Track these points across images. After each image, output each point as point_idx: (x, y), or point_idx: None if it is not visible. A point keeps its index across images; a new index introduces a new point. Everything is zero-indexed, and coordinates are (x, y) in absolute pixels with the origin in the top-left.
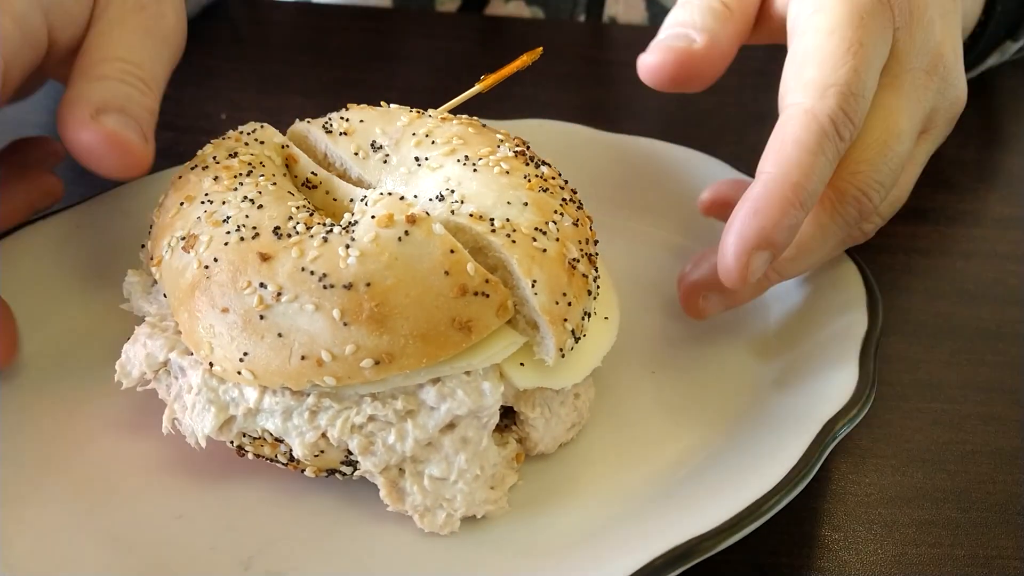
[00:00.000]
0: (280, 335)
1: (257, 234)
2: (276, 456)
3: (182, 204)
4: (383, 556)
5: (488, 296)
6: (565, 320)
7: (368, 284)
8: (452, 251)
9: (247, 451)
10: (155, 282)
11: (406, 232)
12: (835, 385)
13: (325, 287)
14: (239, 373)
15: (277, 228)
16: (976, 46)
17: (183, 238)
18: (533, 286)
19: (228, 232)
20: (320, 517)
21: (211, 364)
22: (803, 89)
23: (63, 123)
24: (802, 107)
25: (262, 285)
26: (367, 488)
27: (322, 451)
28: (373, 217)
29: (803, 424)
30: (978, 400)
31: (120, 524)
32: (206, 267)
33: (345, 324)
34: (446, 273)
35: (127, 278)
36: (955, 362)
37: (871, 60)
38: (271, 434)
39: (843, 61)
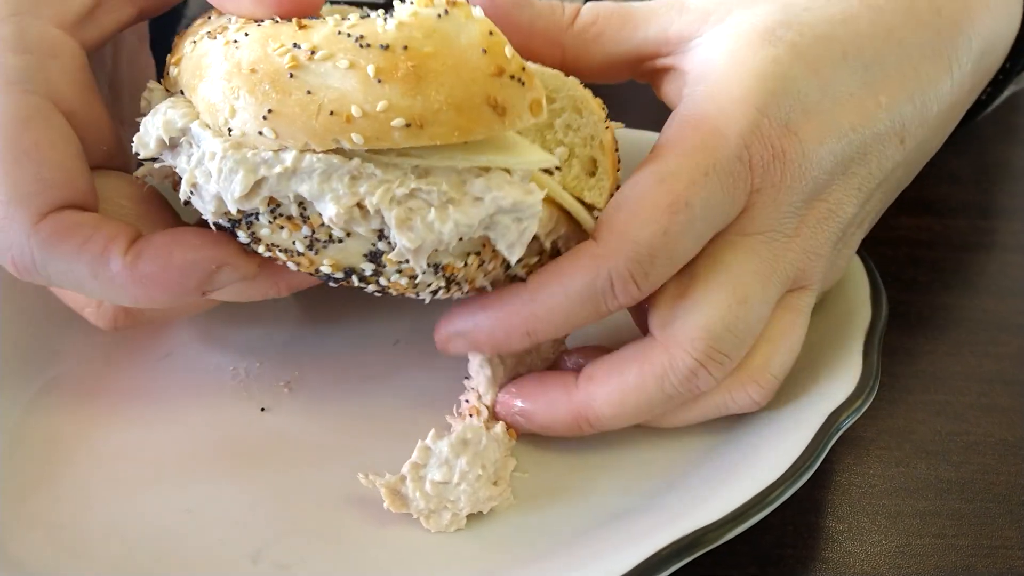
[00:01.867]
0: (309, 92)
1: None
2: (294, 244)
3: (209, 17)
4: (391, 550)
5: (524, 84)
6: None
7: (405, 48)
8: (491, 33)
9: (260, 239)
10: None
11: (446, 11)
12: (839, 377)
13: (361, 46)
14: (260, 133)
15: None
16: (1000, 89)
17: (209, 32)
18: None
19: (261, 24)
20: (328, 511)
21: (229, 130)
22: (606, 227)
23: None
24: (591, 249)
25: (295, 45)
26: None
27: (352, 232)
28: (412, 2)
29: (806, 416)
30: (981, 391)
31: (128, 517)
32: (235, 41)
33: (379, 81)
34: (484, 51)
35: (147, 88)
36: (958, 353)
37: (694, 223)
38: (301, 204)
39: (656, 219)
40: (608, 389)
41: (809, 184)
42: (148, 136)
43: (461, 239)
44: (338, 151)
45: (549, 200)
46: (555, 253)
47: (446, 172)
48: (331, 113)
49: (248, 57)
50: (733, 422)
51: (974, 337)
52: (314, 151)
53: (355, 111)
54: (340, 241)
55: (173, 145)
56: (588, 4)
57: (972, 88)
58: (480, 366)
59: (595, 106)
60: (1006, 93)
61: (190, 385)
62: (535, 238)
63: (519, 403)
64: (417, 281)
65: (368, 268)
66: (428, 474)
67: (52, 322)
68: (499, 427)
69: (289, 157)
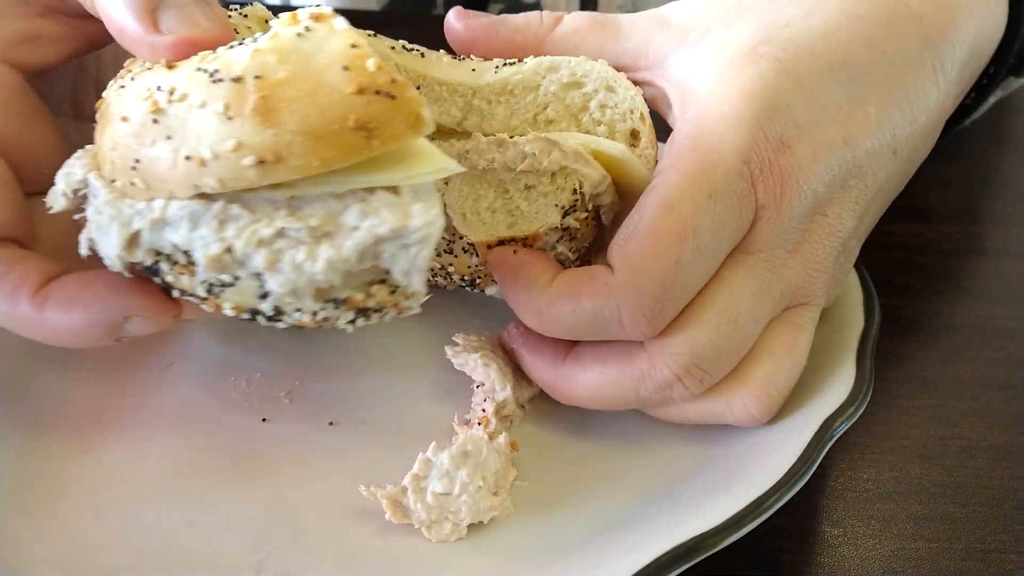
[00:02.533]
0: (169, 137)
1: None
2: (195, 289)
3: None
4: (393, 560)
5: (394, 98)
6: None
7: (257, 77)
8: (354, 45)
9: (169, 282)
10: None
11: (307, 28)
12: (833, 383)
13: (214, 81)
14: (132, 184)
15: None
16: (984, 95)
17: (121, 74)
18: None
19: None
20: (331, 521)
21: (113, 180)
22: (621, 257)
23: None
24: (604, 279)
25: (158, 88)
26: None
27: (236, 278)
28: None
29: (801, 423)
30: (973, 396)
31: (131, 529)
32: (122, 87)
33: (229, 118)
34: (344, 68)
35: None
36: (951, 359)
37: (703, 249)
38: (185, 252)
39: (667, 251)
40: (588, 375)
41: (809, 199)
42: (56, 189)
43: (348, 272)
44: (203, 196)
45: (603, 165)
46: (596, 217)
47: (324, 200)
48: (187, 158)
49: (121, 105)
50: (729, 429)
51: (966, 342)
52: (179, 199)
53: (206, 153)
54: (232, 284)
55: (81, 197)
56: (573, 12)
57: (958, 95)
58: (483, 365)
59: (627, 82)
60: (992, 99)
61: (192, 396)
62: (580, 195)
63: (518, 345)
64: (321, 318)
65: (268, 308)
66: (429, 485)
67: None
68: (502, 438)
69: (158, 207)
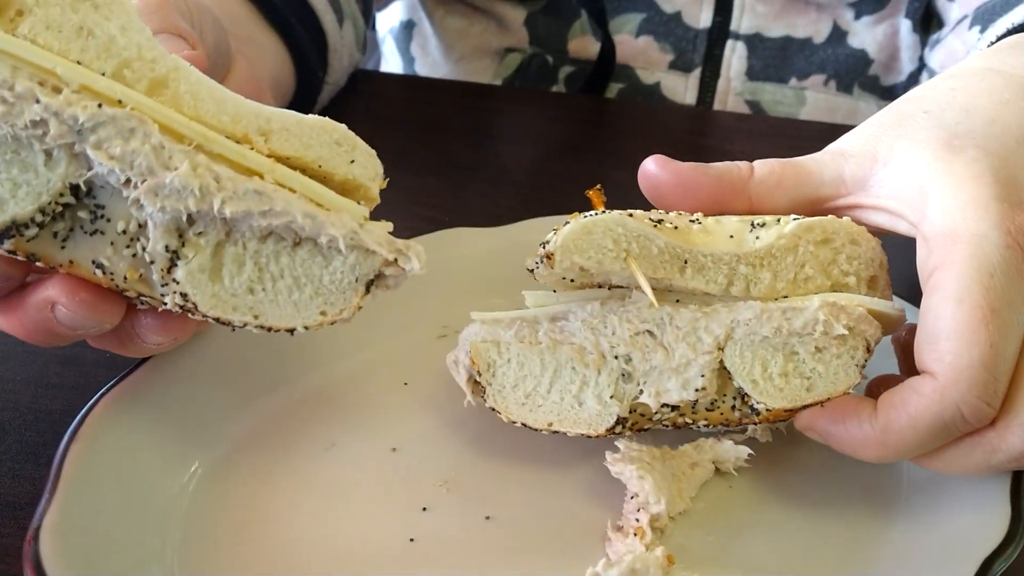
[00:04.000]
0: None
1: None
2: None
3: None
4: None
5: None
6: None
7: None
8: None
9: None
10: None
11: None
12: (987, 519)
13: None
14: None
15: None
16: None
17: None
18: None
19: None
20: None
21: None
22: (936, 362)
23: None
24: (930, 386)
25: None
26: None
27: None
28: None
29: (958, 563)
30: None
31: None
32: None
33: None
34: None
35: None
36: None
37: (1009, 324)
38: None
39: (977, 337)
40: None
41: None
42: None
43: None
44: None
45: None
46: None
47: None
48: None
49: None
50: (887, 563)
51: None
52: None
53: None
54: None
55: None
56: (759, 161)
57: None
58: (639, 477)
59: (868, 234)
60: None
61: (354, 480)
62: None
63: (821, 424)
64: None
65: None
66: None
67: (217, 406)
68: (659, 551)
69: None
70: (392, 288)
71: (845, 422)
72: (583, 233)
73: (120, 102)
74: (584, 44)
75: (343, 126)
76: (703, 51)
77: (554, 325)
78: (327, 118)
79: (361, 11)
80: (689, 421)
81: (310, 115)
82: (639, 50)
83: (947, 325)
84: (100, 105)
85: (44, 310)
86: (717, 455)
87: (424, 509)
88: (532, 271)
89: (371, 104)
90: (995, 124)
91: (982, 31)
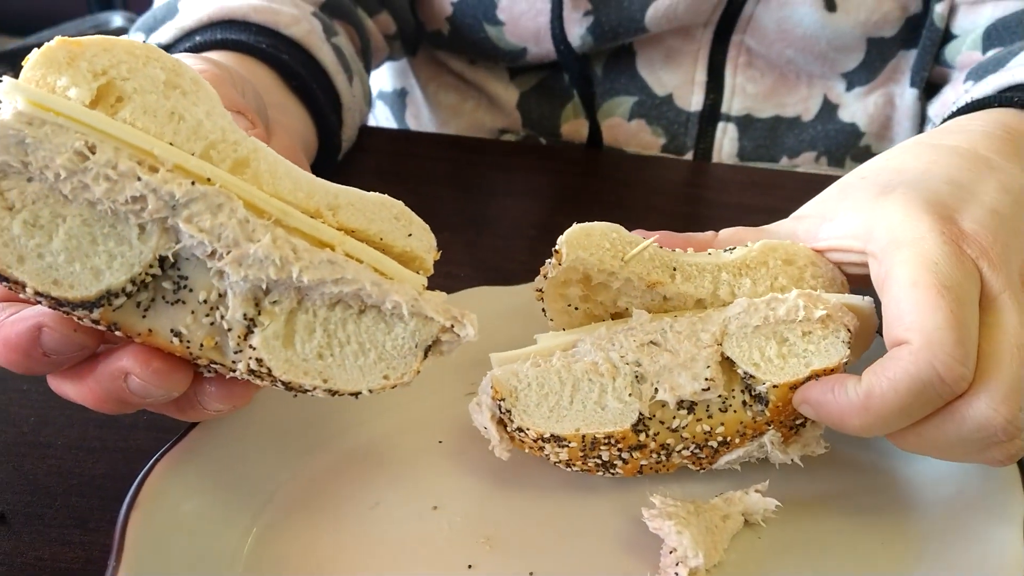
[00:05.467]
0: None
1: None
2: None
3: None
4: None
5: None
6: None
7: None
8: None
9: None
10: None
11: None
12: (1004, 565)
13: None
14: None
15: None
16: None
17: None
18: None
19: None
20: None
21: None
22: (906, 330)
23: None
24: (906, 350)
25: None
26: None
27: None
28: None
29: None
30: None
31: None
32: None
33: None
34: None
35: None
36: None
37: (962, 296)
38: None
39: (938, 305)
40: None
41: (999, 248)
42: None
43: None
44: None
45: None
46: None
47: None
48: None
49: None
50: None
51: None
52: None
53: None
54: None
55: None
56: (724, 230)
57: None
58: (677, 532)
59: (824, 259)
60: None
61: (401, 537)
62: (851, 333)
63: (814, 395)
64: None
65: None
66: None
67: (264, 468)
68: None
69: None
70: (446, 353)
71: (833, 391)
72: (583, 234)
73: (209, 180)
74: (577, 127)
75: (400, 202)
76: (695, 133)
77: (566, 353)
78: (386, 195)
79: (364, 67)
80: (707, 429)
81: (371, 192)
82: (632, 133)
83: (908, 303)
84: (193, 183)
85: (117, 380)
86: (746, 507)
87: (469, 567)
88: (545, 276)
89: (379, 160)
90: (923, 175)
91: (974, 84)
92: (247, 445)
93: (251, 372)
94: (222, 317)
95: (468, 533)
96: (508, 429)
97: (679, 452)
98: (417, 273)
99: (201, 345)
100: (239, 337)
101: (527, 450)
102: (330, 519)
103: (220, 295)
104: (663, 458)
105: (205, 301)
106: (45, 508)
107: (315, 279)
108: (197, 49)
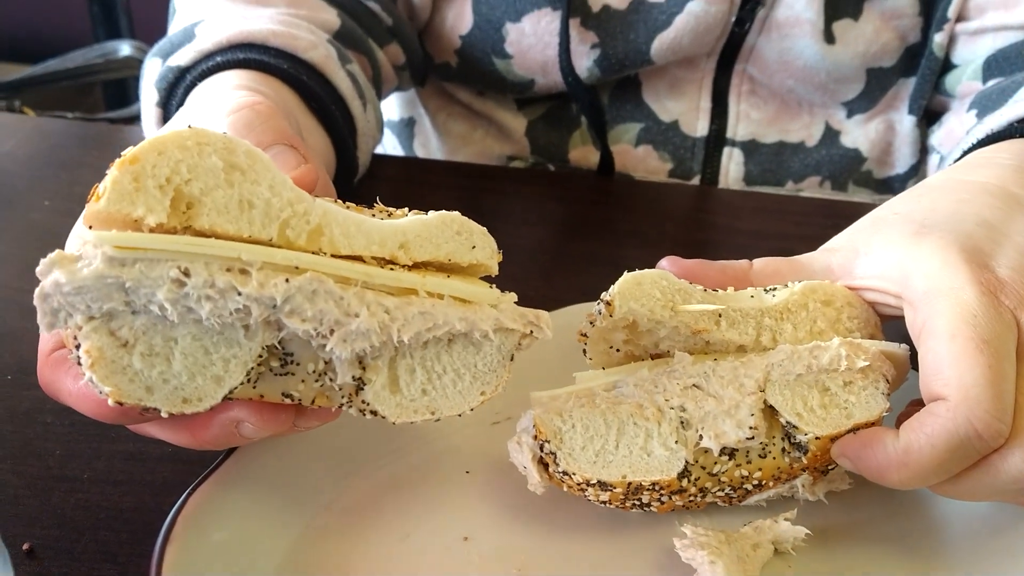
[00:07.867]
0: None
1: None
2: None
3: None
4: None
5: None
6: None
7: None
8: None
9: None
10: None
11: None
12: None
13: None
14: None
15: None
16: None
17: None
18: None
19: None
20: None
21: None
22: (943, 385)
23: None
24: (942, 407)
25: None
26: None
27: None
28: None
29: None
30: None
31: None
32: None
33: None
34: None
35: None
36: None
37: (999, 350)
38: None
39: (975, 361)
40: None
41: None
42: None
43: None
44: None
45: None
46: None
47: None
48: None
49: None
50: None
51: None
52: None
53: None
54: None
55: None
56: (757, 259)
57: None
58: (711, 562)
59: (861, 299)
60: None
61: (431, 568)
62: (888, 383)
63: (852, 449)
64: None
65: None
66: None
67: (292, 503)
68: None
69: None
70: (524, 349)
71: (872, 445)
72: (634, 284)
73: (297, 268)
74: (585, 153)
75: (456, 214)
76: (701, 158)
77: (608, 393)
78: (443, 211)
79: (376, 95)
80: (745, 474)
81: (428, 214)
82: (639, 159)
83: (946, 357)
84: (287, 280)
85: (229, 427)
86: (776, 535)
87: None
88: (592, 323)
89: (391, 187)
90: (956, 215)
91: (979, 115)
92: (279, 478)
93: (359, 411)
94: (331, 380)
95: (499, 564)
96: (551, 471)
97: (714, 493)
98: (483, 278)
99: (312, 400)
100: (350, 395)
101: (566, 489)
102: (361, 552)
103: (326, 362)
104: (697, 498)
105: (313, 371)
106: (73, 543)
107: (412, 334)
108: (218, 69)
